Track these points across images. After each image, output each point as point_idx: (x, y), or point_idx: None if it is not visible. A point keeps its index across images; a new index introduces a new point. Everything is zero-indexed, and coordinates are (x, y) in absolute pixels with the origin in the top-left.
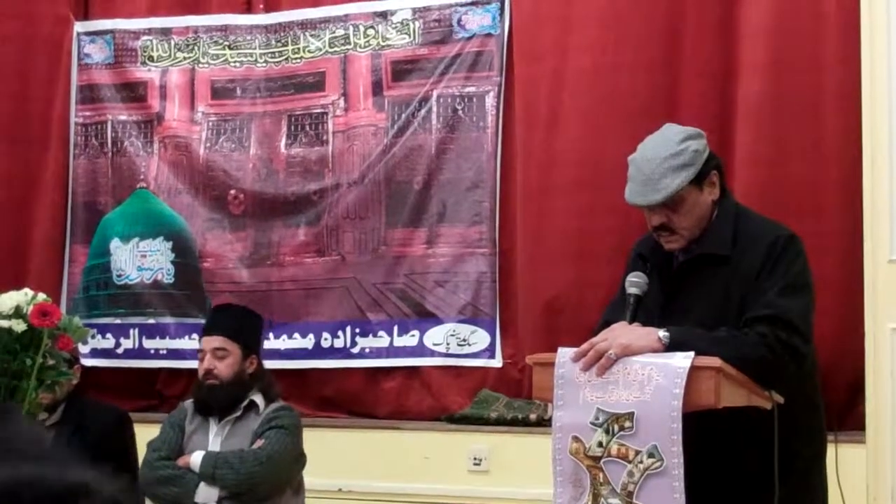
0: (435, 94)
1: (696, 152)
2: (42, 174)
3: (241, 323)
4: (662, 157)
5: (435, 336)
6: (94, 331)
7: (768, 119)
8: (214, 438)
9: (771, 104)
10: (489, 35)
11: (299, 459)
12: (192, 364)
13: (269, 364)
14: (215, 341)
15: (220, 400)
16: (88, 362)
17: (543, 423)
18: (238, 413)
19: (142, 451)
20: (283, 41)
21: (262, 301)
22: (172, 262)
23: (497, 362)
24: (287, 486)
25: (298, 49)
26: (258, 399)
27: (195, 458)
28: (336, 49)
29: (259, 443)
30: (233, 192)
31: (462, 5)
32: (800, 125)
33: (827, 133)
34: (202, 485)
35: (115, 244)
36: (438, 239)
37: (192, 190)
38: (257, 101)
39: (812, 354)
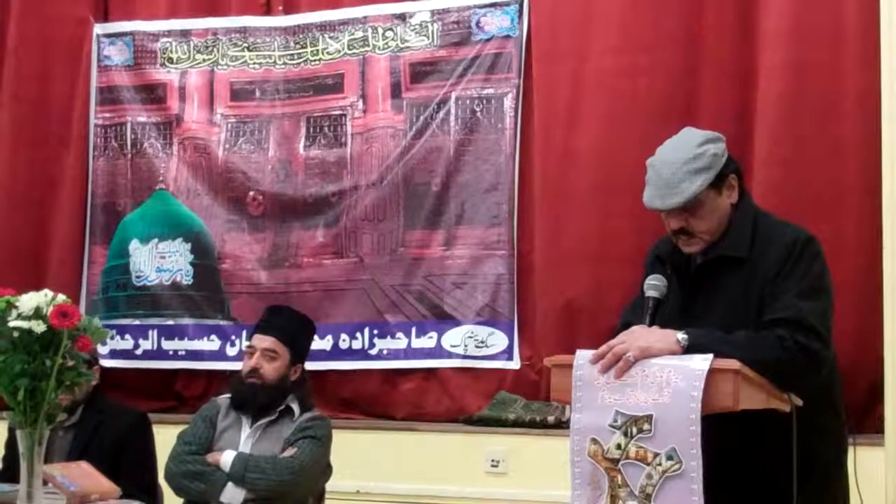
0: (453, 95)
1: (714, 156)
2: (62, 175)
3: (296, 329)
4: (681, 160)
5: (453, 338)
6: (113, 332)
7: (787, 121)
8: (246, 439)
9: (790, 106)
10: (508, 37)
11: (326, 471)
12: (210, 365)
13: None
14: (268, 341)
15: (258, 399)
16: (107, 363)
17: (561, 425)
18: (273, 416)
19: (168, 446)
20: (301, 43)
21: (280, 302)
22: (191, 264)
23: (515, 364)
24: (309, 495)
25: (317, 51)
26: (294, 406)
27: (226, 458)
28: (355, 51)
29: (291, 451)
30: (251, 193)
31: (481, 7)
32: (819, 127)
33: (846, 135)
34: (230, 485)
35: (134, 245)
36: (456, 241)
37: (211, 191)
38: (276, 103)
39: (832, 357)
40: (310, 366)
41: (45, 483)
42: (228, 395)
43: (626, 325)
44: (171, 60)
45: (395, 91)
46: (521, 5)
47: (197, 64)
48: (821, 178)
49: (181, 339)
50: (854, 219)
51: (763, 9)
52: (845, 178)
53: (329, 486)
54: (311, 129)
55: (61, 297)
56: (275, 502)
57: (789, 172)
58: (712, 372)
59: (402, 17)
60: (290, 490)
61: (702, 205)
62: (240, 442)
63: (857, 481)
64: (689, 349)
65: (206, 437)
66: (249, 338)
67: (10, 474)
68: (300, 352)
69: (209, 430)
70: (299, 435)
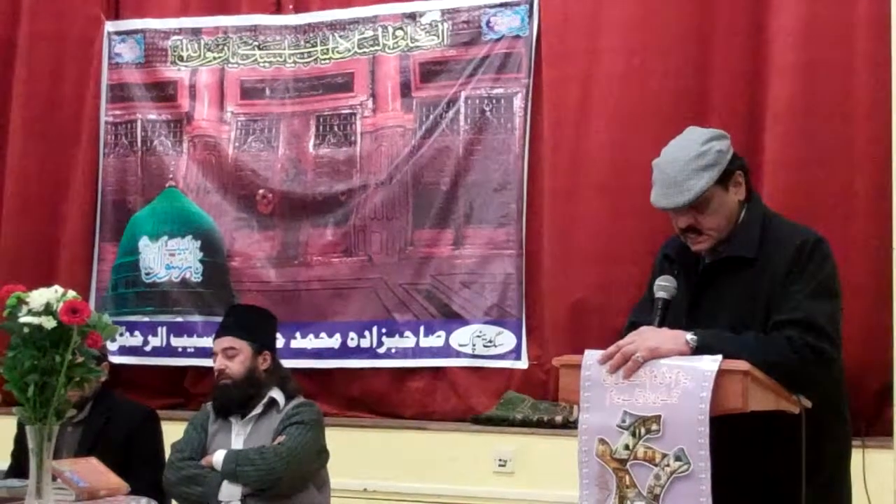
0: (463, 95)
1: (719, 152)
2: (72, 172)
3: (249, 321)
4: (687, 158)
5: (461, 337)
6: (123, 328)
7: (798, 122)
8: (237, 438)
9: (800, 108)
10: (518, 37)
11: (321, 454)
12: None
13: (295, 363)
14: (224, 342)
15: (234, 398)
16: (116, 360)
17: (569, 425)
18: (259, 411)
19: (168, 451)
20: (312, 42)
21: (289, 300)
22: (200, 261)
23: (523, 364)
24: (310, 482)
25: (327, 50)
26: (278, 396)
27: (217, 457)
28: (365, 50)
29: (280, 439)
30: (261, 191)
31: (491, 7)
32: (829, 129)
33: (856, 137)
34: (225, 483)
35: (143, 242)
36: (465, 240)
37: (221, 189)
38: (286, 102)
39: (839, 359)
40: (318, 364)
41: (54, 479)
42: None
43: (633, 325)
44: (181, 58)
45: (405, 90)
46: (531, 5)
47: (207, 62)
48: (831, 180)
49: (190, 336)
50: (864, 220)
51: (774, 8)
52: (856, 179)
53: (336, 483)
54: (321, 128)
55: (71, 294)
56: (273, 492)
57: (800, 173)
58: (721, 373)
59: (413, 17)
60: (282, 477)
61: (709, 202)
62: (231, 442)
63: (865, 484)
64: (698, 350)
65: (199, 443)
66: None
67: (20, 470)
68: (261, 341)
69: (201, 436)
70: (286, 423)
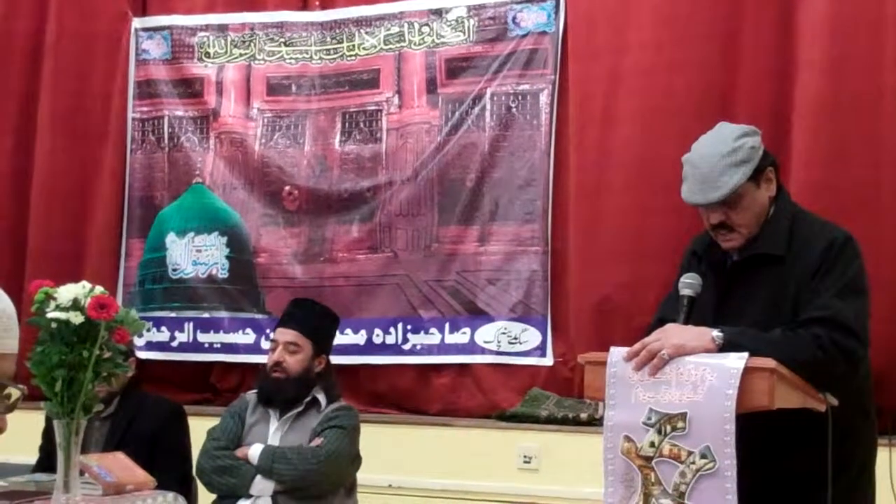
0: (489, 91)
1: (752, 149)
2: (99, 169)
3: (318, 321)
4: (720, 154)
5: (486, 334)
6: (150, 324)
7: (826, 119)
8: (274, 433)
9: (828, 104)
10: (544, 33)
11: (355, 461)
12: (245, 358)
13: None
14: (289, 335)
15: (283, 393)
16: (143, 355)
17: (594, 422)
18: (300, 409)
19: (200, 440)
20: (338, 38)
21: (314, 297)
22: (227, 257)
23: (548, 361)
24: (341, 486)
25: (353, 46)
26: (320, 397)
27: (253, 451)
28: (391, 46)
29: (318, 441)
30: (287, 188)
31: (517, 3)
32: (857, 125)
33: (884, 134)
34: (258, 477)
35: (170, 238)
36: (491, 237)
37: (247, 186)
38: (312, 98)
39: (866, 357)
40: (344, 360)
41: (81, 473)
42: (256, 391)
43: (660, 321)
44: (208, 55)
45: (431, 87)
46: (557, 1)
47: (234, 58)
48: (858, 177)
49: (216, 332)
50: (891, 218)
51: (801, 4)
52: (883, 175)
53: (361, 479)
54: (347, 125)
55: (99, 289)
56: (304, 493)
57: (826, 170)
58: (748, 370)
59: (439, 13)
60: (317, 479)
61: (741, 198)
62: (268, 435)
63: (892, 483)
64: (724, 347)
65: (235, 433)
66: (273, 331)
67: (48, 464)
68: (323, 344)
69: (238, 426)
70: (326, 425)
